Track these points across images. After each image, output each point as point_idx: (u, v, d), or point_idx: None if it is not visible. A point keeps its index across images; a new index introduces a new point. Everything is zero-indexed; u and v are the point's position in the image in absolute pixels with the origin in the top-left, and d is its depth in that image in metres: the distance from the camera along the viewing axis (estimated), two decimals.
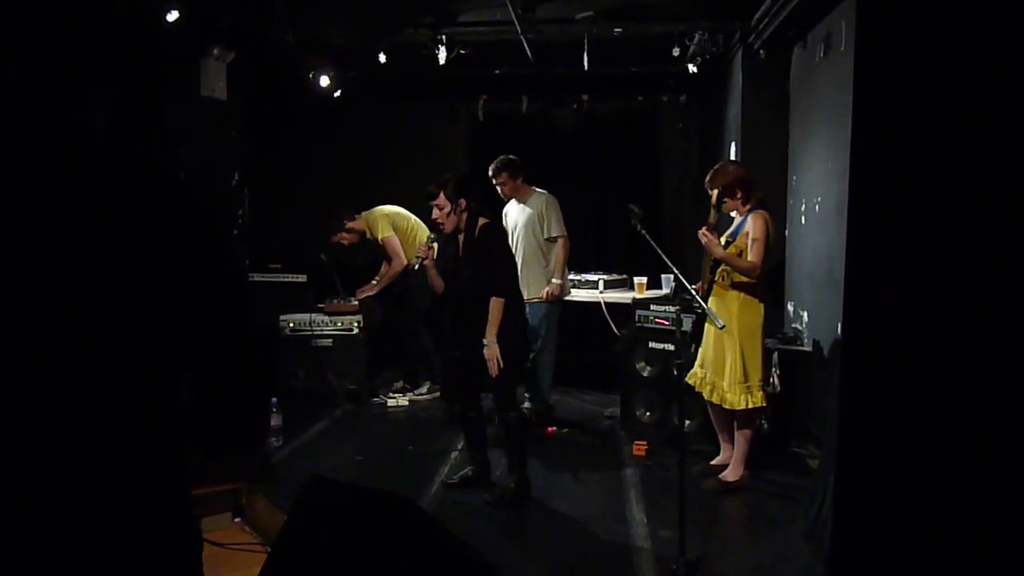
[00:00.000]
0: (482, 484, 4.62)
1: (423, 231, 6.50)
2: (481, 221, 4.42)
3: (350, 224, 6.49)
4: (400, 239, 6.48)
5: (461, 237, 4.46)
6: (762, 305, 4.43)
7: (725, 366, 4.44)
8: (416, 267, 4.57)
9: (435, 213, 4.41)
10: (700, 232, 4.36)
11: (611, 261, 7.63)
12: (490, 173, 5.85)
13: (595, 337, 7.12)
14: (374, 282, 6.62)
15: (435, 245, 4.64)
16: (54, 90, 1.28)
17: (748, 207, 4.42)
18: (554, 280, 5.76)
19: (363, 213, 6.55)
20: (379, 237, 6.45)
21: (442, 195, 4.34)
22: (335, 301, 6.53)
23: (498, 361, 4.27)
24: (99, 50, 1.31)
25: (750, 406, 4.39)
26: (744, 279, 4.36)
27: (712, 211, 4.44)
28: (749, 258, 4.31)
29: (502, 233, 4.62)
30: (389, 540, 2.40)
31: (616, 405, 5.93)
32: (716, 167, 4.55)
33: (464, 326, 4.44)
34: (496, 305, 4.28)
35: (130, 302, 1.25)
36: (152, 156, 1.34)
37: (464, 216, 4.40)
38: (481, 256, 4.36)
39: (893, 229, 1.73)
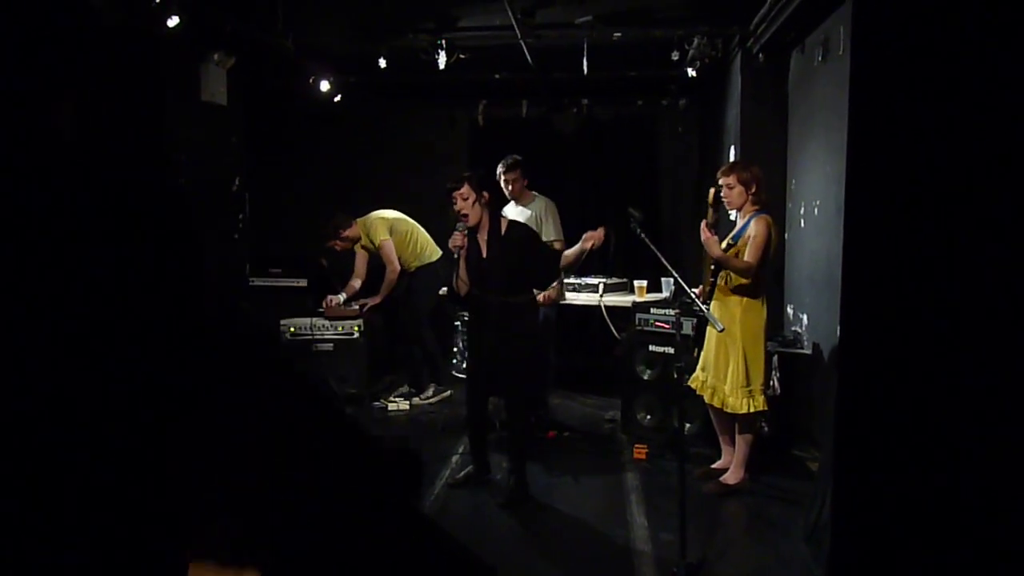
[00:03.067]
0: (484, 481, 4.70)
1: (423, 235, 6.53)
2: (505, 219, 4.41)
3: (345, 232, 6.45)
4: (398, 244, 6.45)
5: (482, 237, 4.38)
6: (764, 308, 4.43)
7: (727, 370, 4.44)
8: (456, 256, 4.36)
9: (459, 204, 4.32)
10: (702, 227, 4.36)
11: (611, 264, 7.64)
12: (501, 169, 5.83)
13: (595, 341, 7.12)
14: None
15: (466, 234, 4.39)
16: (19, 95, 1.27)
17: (755, 208, 4.42)
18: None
19: (359, 219, 6.51)
20: (376, 241, 6.42)
21: (467, 185, 4.29)
22: (328, 296, 6.51)
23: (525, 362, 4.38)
24: (63, 54, 1.31)
25: (752, 410, 4.39)
26: (745, 282, 4.36)
27: (710, 210, 4.43)
28: (745, 258, 4.31)
29: (537, 235, 4.59)
30: (388, 542, 2.40)
31: (616, 408, 5.93)
32: (734, 161, 4.56)
33: (491, 328, 4.40)
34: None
35: (107, 306, 1.25)
36: (141, 161, 1.35)
37: (487, 211, 4.35)
38: (525, 252, 4.34)
39: (889, 232, 1.74)
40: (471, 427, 4.76)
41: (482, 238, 4.40)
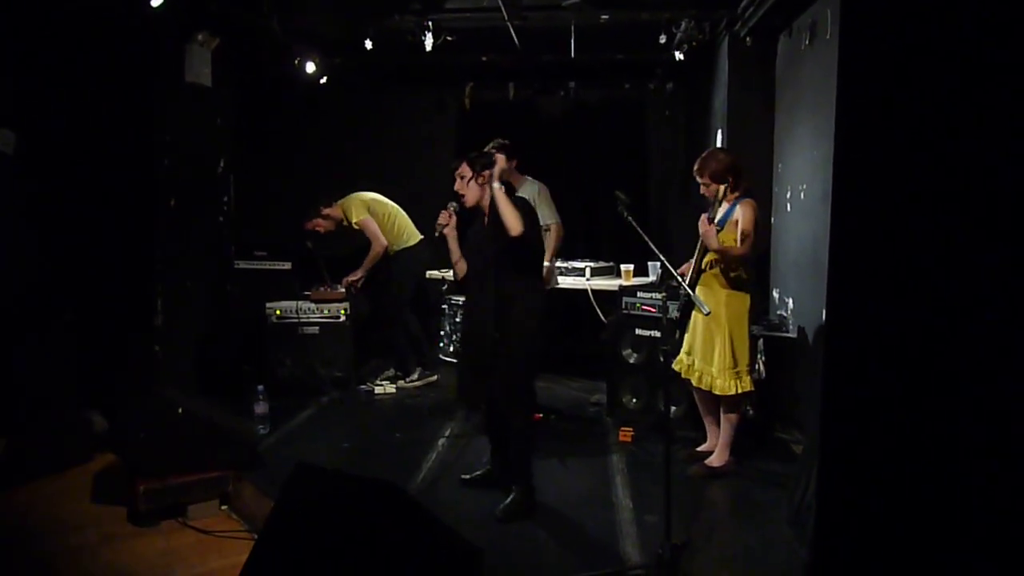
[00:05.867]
0: (498, 486, 4.30)
1: (403, 218, 6.58)
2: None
3: (327, 211, 6.52)
4: (378, 225, 6.48)
5: (485, 218, 4.16)
6: (749, 292, 4.46)
7: (714, 353, 4.47)
8: (437, 234, 4.14)
9: (457, 184, 4.09)
10: (701, 220, 4.36)
11: (598, 248, 7.64)
12: None
13: (582, 324, 7.13)
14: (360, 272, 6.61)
15: (455, 214, 4.15)
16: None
17: (737, 194, 4.44)
18: (543, 264, 5.71)
19: (340, 200, 6.57)
20: (354, 221, 6.47)
21: (464, 164, 4.07)
22: (321, 289, 6.52)
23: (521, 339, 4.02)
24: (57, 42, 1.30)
25: (739, 391, 4.43)
26: (731, 266, 4.39)
27: (715, 206, 4.41)
28: (740, 247, 4.34)
29: (534, 211, 4.20)
30: (376, 526, 2.41)
31: (602, 392, 5.96)
32: (704, 155, 4.54)
33: (484, 314, 4.11)
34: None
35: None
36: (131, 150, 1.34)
37: (486, 190, 4.08)
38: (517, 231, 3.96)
39: (875, 217, 1.74)
40: (486, 425, 4.47)
41: (484, 220, 4.18)
